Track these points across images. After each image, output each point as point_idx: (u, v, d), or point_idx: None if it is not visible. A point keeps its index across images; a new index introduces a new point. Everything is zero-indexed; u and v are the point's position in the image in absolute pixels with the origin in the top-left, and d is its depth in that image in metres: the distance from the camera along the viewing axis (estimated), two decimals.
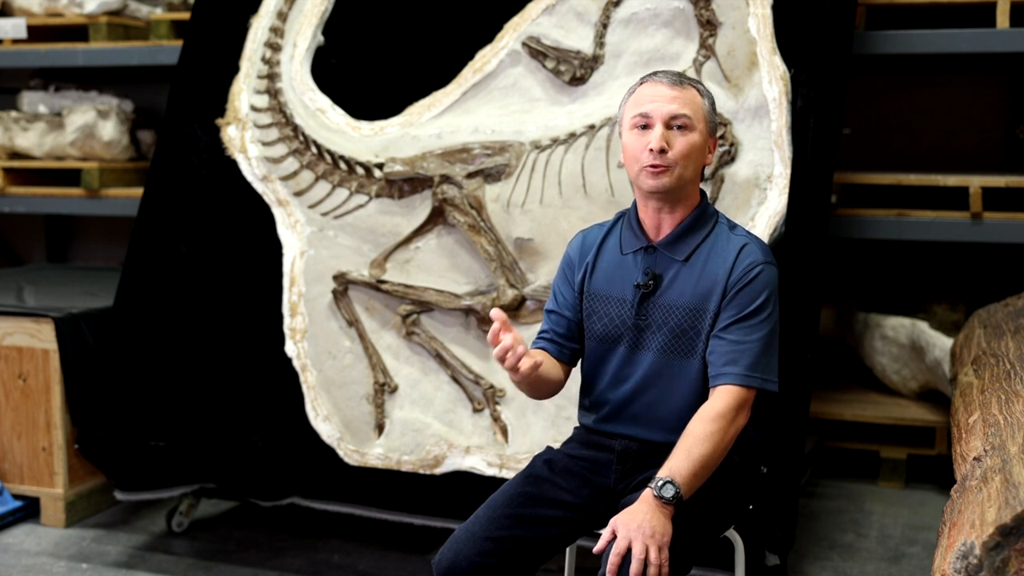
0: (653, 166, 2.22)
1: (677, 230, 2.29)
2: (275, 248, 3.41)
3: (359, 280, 3.32)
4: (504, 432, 3.13)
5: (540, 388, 2.32)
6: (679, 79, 2.28)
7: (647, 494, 2.08)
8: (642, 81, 2.31)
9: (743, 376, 2.19)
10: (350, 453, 3.20)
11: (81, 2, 4.59)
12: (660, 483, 2.08)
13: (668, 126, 2.23)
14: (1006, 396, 2.45)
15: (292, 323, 3.33)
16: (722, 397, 2.18)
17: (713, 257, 2.26)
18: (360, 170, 3.38)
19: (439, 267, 3.28)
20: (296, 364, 3.30)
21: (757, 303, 2.22)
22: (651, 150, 2.21)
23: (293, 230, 3.41)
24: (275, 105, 3.54)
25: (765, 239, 2.91)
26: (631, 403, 2.30)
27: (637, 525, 2.03)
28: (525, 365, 2.14)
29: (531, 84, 3.35)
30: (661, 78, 2.28)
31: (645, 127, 2.25)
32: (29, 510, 3.74)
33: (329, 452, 3.21)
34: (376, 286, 3.30)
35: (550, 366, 2.33)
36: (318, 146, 3.44)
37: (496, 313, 2.14)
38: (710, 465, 2.14)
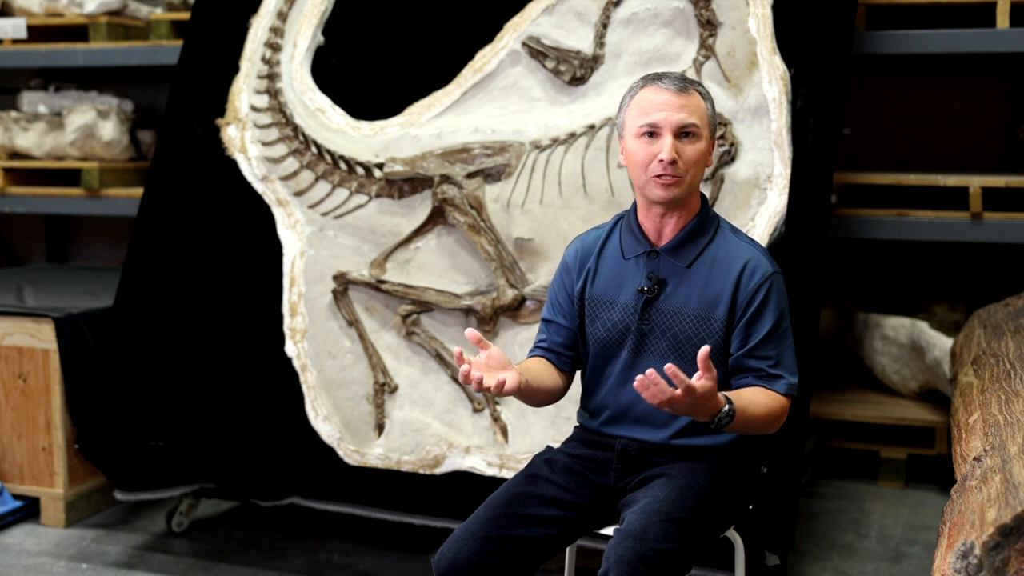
0: (662, 176, 2.19)
1: (680, 235, 2.27)
2: (275, 248, 3.41)
3: (359, 280, 3.32)
4: (504, 432, 3.13)
5: (535, 398, 2.31)
6: (683, 84, 2.23)
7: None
8: (643, 84, 2.25)
9: (791, 385, 2.23)
10: (350, 453, 3.20)
11: (81, 2, 4.59)
12: (726, 411, 2.06)
13: (677, 135, 2.20)
14: (1006, 396, 2.45)
15: (292, 323, 3.33)
16: (777, 399, 2.21)
17: (718, 265, 2.25)
18: (360, 170, 3.38)
19: (439, 267, 3.28)
20: (296, 364, 3.30)
21: (778, 315, 2.24)
22: (662, 160, 2.18)
23: (293, 230, 3.41)
24: (275, 105, 3.54)
25: (765, 239, 2.92)
26: (633, 407, 2.29)
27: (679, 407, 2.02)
28: (508, 386, 2.13)
29: (531, 84, 3.35)
30: (666, 84, 2.22)
31: (652, 135, 2.20)
32: (29, 510, 3.74)
33: (329, 452, 3.21)
34: (376, 286, 3.30)
35: (546, 376, 2.31)
36: (318, 146, 3.44)
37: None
38: (754, 426, 2.16)
